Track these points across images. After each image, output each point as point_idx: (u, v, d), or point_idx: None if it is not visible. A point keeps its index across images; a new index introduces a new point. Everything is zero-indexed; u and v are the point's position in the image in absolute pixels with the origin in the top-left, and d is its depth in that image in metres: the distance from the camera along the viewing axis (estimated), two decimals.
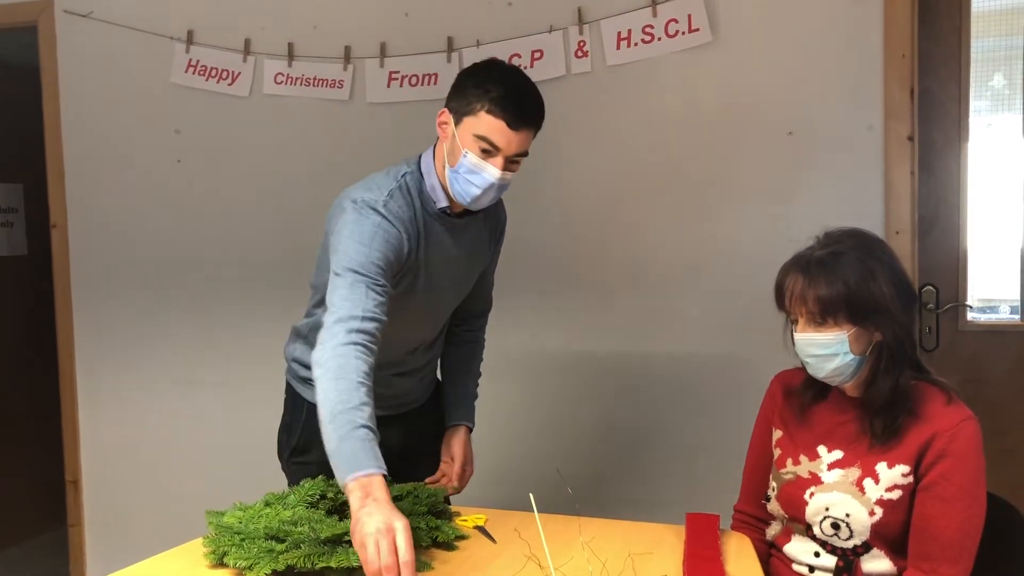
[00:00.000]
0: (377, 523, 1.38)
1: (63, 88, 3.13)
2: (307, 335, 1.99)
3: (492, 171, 1.72)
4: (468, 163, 1.73)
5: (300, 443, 2.02)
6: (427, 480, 1.97)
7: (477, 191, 1.74)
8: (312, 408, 1.95)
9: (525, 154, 1.77)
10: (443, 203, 1.83)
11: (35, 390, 4.01)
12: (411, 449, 2.07)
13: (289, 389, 2.10)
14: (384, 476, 1.48)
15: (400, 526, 1.39)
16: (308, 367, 1.94)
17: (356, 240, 1.69)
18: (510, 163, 1.74)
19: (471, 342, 2.16)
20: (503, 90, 1.70)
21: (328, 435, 1.52)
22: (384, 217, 1.73)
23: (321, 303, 1.85)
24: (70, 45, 3.11)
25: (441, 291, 1.92)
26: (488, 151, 1.71)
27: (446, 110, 1.78)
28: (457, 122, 1.75)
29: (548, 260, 2.68)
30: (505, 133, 1.70)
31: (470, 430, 2.09)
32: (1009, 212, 2.48)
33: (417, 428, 2.09)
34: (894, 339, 1.54)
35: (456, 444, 2.05)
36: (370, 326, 1.62)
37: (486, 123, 1.70)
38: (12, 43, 3.52)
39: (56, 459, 3.31)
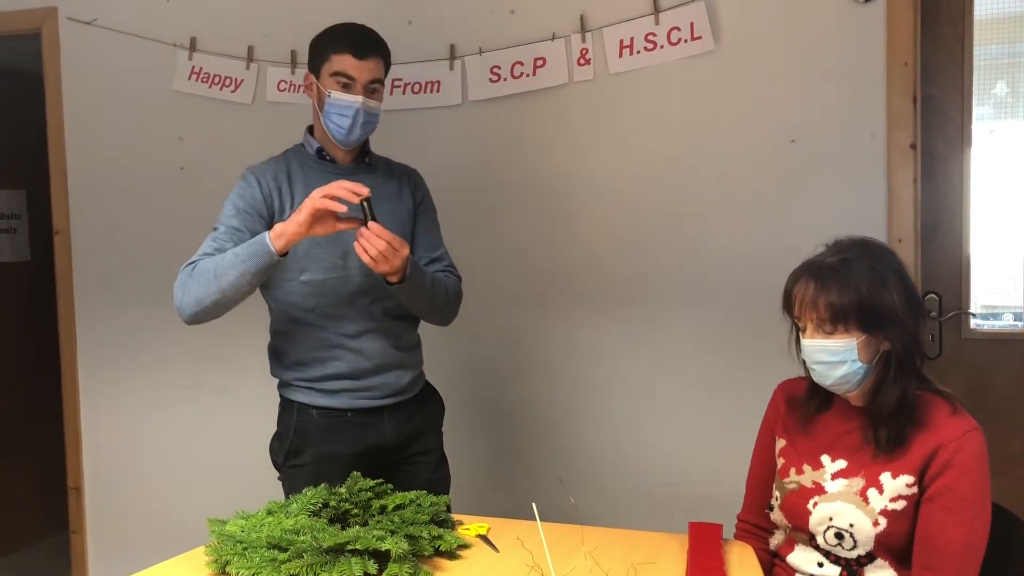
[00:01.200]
0: (304, 208, 1.80)
1: (66, 95, 3.14)
2: (274, 336, 2.15)
3: (354, 99, 1.97)
4: (333, 100, 1.97)
5: (292, 446, 2.06)
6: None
7: (347, 120, 1.97)
8: (302, 408, 2.03)
9: (380, 83, 2.02)
10: (315, 145, 2.07)
11: (37, 396, 4.01)
12: (406, 443, 2.10)
13: (282, 401, 2.14)
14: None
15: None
16: (286, 368, 2.10)
17: (225, 207, 2.02)
18: (369, 93, 1.99)
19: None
20: (344, 30, 2.02)
21: (235, 276, 1.86)
22: (242, 178, 2.03)
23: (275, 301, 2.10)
24: (74, 52, 3.11)
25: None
26: (346, 84, 1.97)
27: (308, 73, 2.05)
28: (317, 76, 2.01)
29: (548, 266, 2.68)
30: (355, 64, 1.96)
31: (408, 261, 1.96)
32: (1012, 219, 2.48)
33: (411, 420, 2.11)
34: (903, 348, 1.54)
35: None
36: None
37: (338, 61, 1.97)
38: (16, 50, 3.53)
39: (58, 465, 3.31)
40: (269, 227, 1.91)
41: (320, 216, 1.82)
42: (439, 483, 2.13)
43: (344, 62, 1.96)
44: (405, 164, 2.22)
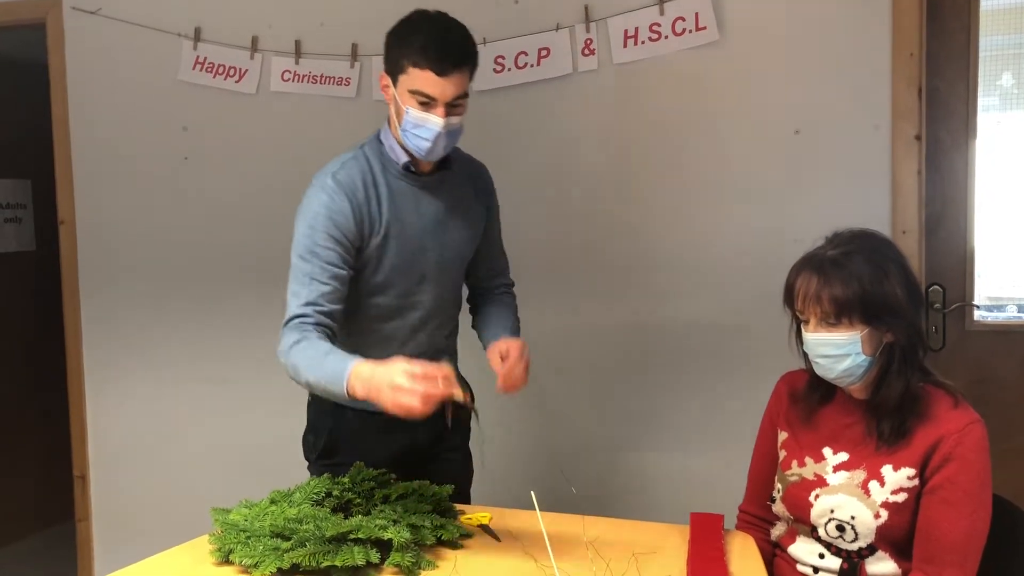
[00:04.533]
0: (388, 379, 1.53)
1: (71, 85, 3.14)
2: None
3: (435, 120, 1.76)
4: (412, 119, 1.77)
5: (326, 445, 2.01)
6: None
7: (427, 143, 1.78)
8: (338, 409, 1.97)
9: (466, 96, 1.79)
10: (404, 159, 1.86)
11: (43, 385, 4.02)
12: (437, 441, 2.05)
13: (311, 393, 2.07)
14: (364, 362, 1.62)
15: (398, 368, 1.53)
16: None
17: (305, 224, 1.80)
18: (451, 108, 1.77)
19: (498, 302, 2.13)
20: (424, 39, 1.74)
21: (318, 386, 1.68)
22: (331, 191, 1.79)
23: None
24: (78, 42, 3.11)
25: (425, 250, 1.91)
26: (425, 103, 1.75)
27: (383, 74, 1.83)
28: (394, 83, 1.80)
29: (551, 257, 2.68)
30: (436, 82, 1.73)
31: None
32: (1017, 211, 2.47)
33: (435, 420, 1.99)
34: (906, 340, 1.54)
35: (500, 343, 1.90)
36: (314, 319, 1.74)
37: (416, 77, 1.73)
38: (20, 39, 3.53)
39: (64, 454, 3.32)
40: (357, 252, 1.82)
41: None
42: (463, 481, 2.10)
43: (424, 80, 1.73)
44: (474, 159, 2.08)
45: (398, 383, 1.52)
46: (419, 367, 1.54)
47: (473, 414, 1.74)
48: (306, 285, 1.77)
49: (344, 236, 1.79)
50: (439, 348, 2.01)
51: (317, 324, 1.75)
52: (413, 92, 1.75)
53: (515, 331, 2.04)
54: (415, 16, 1.82)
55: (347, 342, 1.90)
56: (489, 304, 2.12)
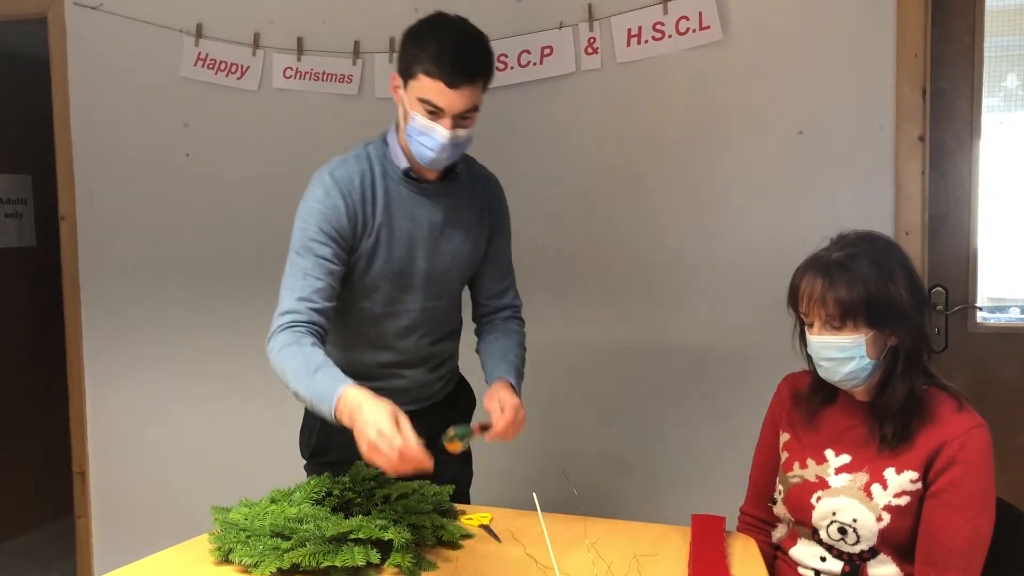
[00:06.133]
0: (368, 431, 1.49)
1: (72, 80, 3.13)
2: None
3: (441, 132, 1.70)
4: (417, 126, 1.72)
5: (318, 444, 2.00)
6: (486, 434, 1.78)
7: (431, 153, 1.73)
8: None
9: (476, 109, 1.73)
10: (404, 164, 1.82)
11: (43, 381, 4.02)
12: (430, 444, 2.04)
13: None
14: (354, 386, 1.59)
15: (384, 422, 1.50)
16: None
17: (301, 219, 1.78)
18: (459, 121, 1.71)
19: (503, 330, 2.03)
20: (438, 48, 1.66)
21: (303, 397, 1.65)
22: (327, 187, 1.77)
23: None
24: (79, 37, 3.11)
25: (415, 258, 1.86)
26: (434, 112, 1.69)
27: (394, 74, 1.77)
28: (404, 85, 1.74)
29: (554, 257, 2.68)
30: (445, 93, 1.67)
31: (513, 387, 1.87)
32: (1020, 212, 2.46)
33: (437, 423, 1.98)
34: (911, 343, 1.53)
35: (499, 390, 1.82)
36: (306, 316, 1.72)
37: (426, 85, 1.67)
38: (22, 35, 3.53)
39: (63, 450, 3.32)
40: (349, 251, 1.79)
41: None
42: (462, 481, 2.08)
43: (433, 89, 1.67)
44: (488, 173, 2.01)
45: (374, 441, 1.49)
46: (399, 434, 1.49)
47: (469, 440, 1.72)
48: (299, 279, 1.75)
49: (337, 232, 1.76)
50: (422, 356, 1.98)
51: (309, 323, 1.72)
52: (422, 100, 1.69)
53: (518, 370, 1.94)
54: (434, 19, 1.75)
55: (334, 342, 1.91)
56: (493, 333, 2.03)
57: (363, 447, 1.52)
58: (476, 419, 2.18)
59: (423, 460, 1.51)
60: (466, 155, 1.93)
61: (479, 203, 1.96)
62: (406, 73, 1.72)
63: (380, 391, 1.92)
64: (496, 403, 1.77)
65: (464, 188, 1.92)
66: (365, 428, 1.51)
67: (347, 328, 1.91)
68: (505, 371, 1.90)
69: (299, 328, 1.71)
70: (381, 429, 1.50)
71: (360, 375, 1.87)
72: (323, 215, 1.76)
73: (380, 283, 1.85)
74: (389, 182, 1.83)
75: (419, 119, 1.71)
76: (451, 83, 1.66)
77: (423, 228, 1.86)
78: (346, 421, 1.56)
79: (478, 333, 2.07)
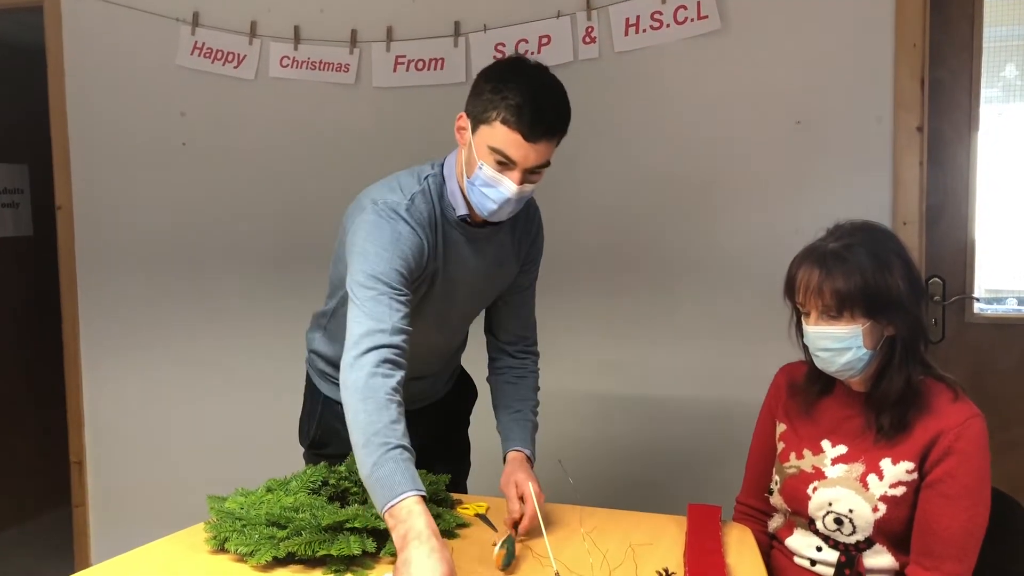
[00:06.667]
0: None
1: (68, 69, 3.12)
2: (326, 325, 1.94)
3: (509, 186, 1.60)
4: (484, 176, 1.61)
5: (317, 436, 2.00)
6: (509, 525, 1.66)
7: (493, 206, 1.63)
8: (328, 402, 1.95)
9: (547, 164, 1.63)
10: (462, 211, 1.71)
11: (40, 370, 4.01)
12: (429, 442, 2.03)
13: (308, 378, 2.05)
14: (424, 497, 1.43)
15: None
16: (326, 360, 1.96)
17: (377, 245, 1.61)
18: (530, 175, 1.61)
19: (519, 371, 1.96)
20: (521, 98, 1.55)
21: (362, 460, 1.46)
22: (405, 222, 1.64)
23: (335, 295, 1.85)
24: (76, 26, 3.09)
25: (456, 301, 1.81)
26: (504, 163, 1.58)
27: (464, 114, 1.66)
28: (474, 129, 1.62)
29: (551, 249, 2.64)
30: (522, 146, 1.56)
31: (530, 460, 1.82)
32: (1018, 203, 2.46)
33: (436, 421, 2.03)
34: (908, 333, 1.53)
35: (518, 472, 1.74)
36: (396, 339, 1.55)
37: (501, 134, 1.56)
38: (18, 23, 3.51)
39: (61, 439, 3.32)
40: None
41: None
42: (458, 471, 2.09)
43: (509, 140, 1.56)
44: (531, 203, 1.88)
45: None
46: None
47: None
48: (385, 305, 1.57)
49: (411, 271, 1.64)
50: (435, 371, 1.98)
51: (390, 347, 1.55)
52: (493, 149, 1.58)
53: (534, 428, 1.88)
54: (516, 65, 1.65)
55: (338, 331, 1.77)
56: (509, 382, 1.95)
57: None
58: (475, 416, 2.19)
59: None
60: None
61: (519, 234, 1.87)
62: (480, 118, 1.60)
63: None
64: (513, 489, 1.69)
65: (506, 230, 1.83)
66: (410, 567, 1.34)
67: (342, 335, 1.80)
68: (520, 440, 1.83)
69: (387, 359, 1.54)
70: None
71: None
72: (407, 249, 1.63)
73: (420, 321, 1.71)
74: (446, 224, 1.72)
75: (487, 169, 1.60)
76: (530, 137, 1.56)
77: (469, 272, 1.78)
78: (392, 529, 1.41)
79: (492, 376, 1.99)
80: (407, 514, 1.39)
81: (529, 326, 2.00)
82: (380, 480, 1.43)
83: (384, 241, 1.61)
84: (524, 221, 1.87)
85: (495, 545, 1.53)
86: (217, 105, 2.97)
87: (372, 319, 1.55)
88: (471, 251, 1.76)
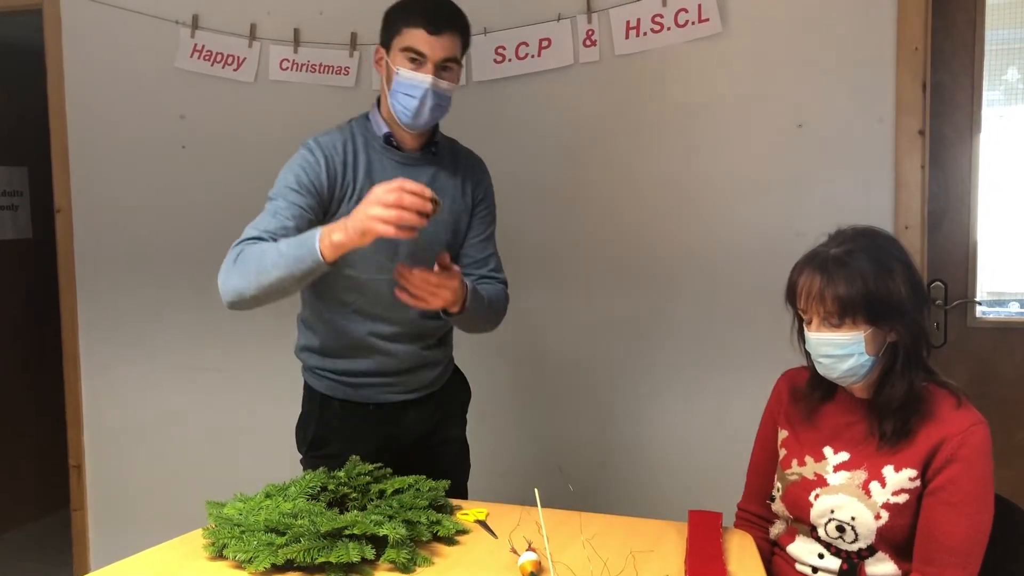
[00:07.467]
0: (364, 208, 1.59)
1: (68, 71, 3.12)
2: (305, 317, 2.06)
3: (423, 78, 1.81)
4: (401, 77, 1.83)
5: (316, 437, 2.01)
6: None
7: (415, 101, 1.82)
8: (325, 400, 1.98)
9: (456, 61, 1.86)
10: (384, 129, 1.91)
11: (39, 374, 4.01)
12: (428, 434, 2.06)
13: (305, 385, 2.08)
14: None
15: (373, 192, 1.59)
16: (310, 351, 2.03)
17: (280, 175, 1.87)
18: (441, 71, 1.83)
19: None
20: (419, 5, 1.84)
21: (273, 265, 1.67)
22: (310, 148, 1.87)
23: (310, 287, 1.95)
24: (75, 28, 3.09)
25: None
26: (416, 59, 1.82)
27: (379, 47, 1.90)
28: (388, 50, 1.87)
29: (549, 250, 2.67)
30: (427, 39, 1.81)
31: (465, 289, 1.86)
32: (1020, 207, 2.45)
33: (435, 413, 2.07)
34: (910, 340, 1.52)
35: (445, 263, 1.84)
36: (266, 236, 1.76)
37: (409, 36, 1.82)
38: (17, 25, 3.50)
39: (60, 443, 3.31)
40: (324, 210, 1.85)
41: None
42: (458, 474, 2.09)
43: (415, 37, 1.81)
44: (471, 152, 2.08)
45: (373, 205, 1.57)
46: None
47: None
48: (269, 217, 1.80)
49: (314, 186, 1.83)
50: (416, 331, 1.98)
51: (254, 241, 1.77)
52: (404, 50, 1.82)
53: (476, 290, 1.91)
54: None
55: (315, 314, 1.97)
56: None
57: (369, 224, 1.58)
58: (472, 413, 2.19)
59: (422, 187, 1.60)
60: (449, 137, 2.04)
61: (462, 177, 2.01)
62: (389, 33, 1.86)
63: (372, 376, 1.97)
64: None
65: (447, 162, 1.99)
66: (362, 209, 1.60)
67: (334, 297, 1.94)
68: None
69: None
70: (374, 192, 1.59)
71: (351, 347, 1.95)
72: (302, 168, 1.85)
73: (364, 249, 1.76)
74: (372, 152, 1.91)
75: (403, 72, 1.82)
76: (433, 29, 1.81)
77: None
78: (335, 239, 1.61)
79: None
80: (327, 232, 1.63)
81: (491, 260, 2.07)
82: (290, 245, 1.68)
83: (284, 169, 1.87)
84: (467, 167, 2.03)
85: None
86: (217, 108, 2.96)
87: (254, 228, 1.79)
88: (408, 175, 1.78)
